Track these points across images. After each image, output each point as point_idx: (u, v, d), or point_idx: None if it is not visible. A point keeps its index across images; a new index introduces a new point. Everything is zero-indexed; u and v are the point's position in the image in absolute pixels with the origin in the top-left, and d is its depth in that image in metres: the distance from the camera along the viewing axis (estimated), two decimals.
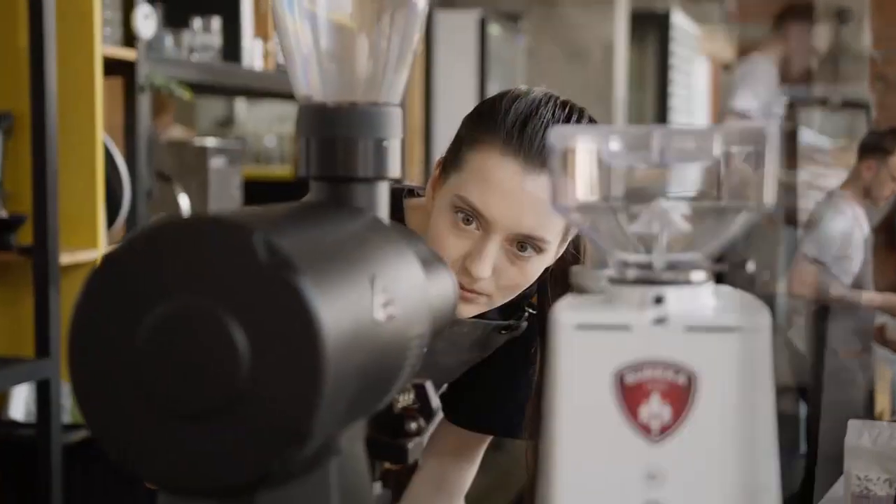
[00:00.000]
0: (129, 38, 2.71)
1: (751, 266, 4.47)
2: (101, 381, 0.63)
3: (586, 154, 0.71)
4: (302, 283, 0.60)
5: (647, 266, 0.71)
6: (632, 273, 0.71)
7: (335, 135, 0.79)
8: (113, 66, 2.68)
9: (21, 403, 2.66)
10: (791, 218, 4.70)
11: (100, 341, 0.63)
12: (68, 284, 2.48)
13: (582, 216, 0.72)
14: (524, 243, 1.28)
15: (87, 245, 2.52)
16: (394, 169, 0.81)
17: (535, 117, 1.27)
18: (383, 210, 0.81)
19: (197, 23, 3.07)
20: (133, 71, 2.70)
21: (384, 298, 0.70)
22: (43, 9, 2.38)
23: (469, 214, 1.27)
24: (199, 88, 3.23)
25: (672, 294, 0.69)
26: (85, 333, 0.63)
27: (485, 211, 1.25)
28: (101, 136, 2.54)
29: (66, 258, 2.44)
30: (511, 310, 1.44)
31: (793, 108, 4.44)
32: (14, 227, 2.42)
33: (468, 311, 1.32)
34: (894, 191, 4.40)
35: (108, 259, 0.63)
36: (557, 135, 0.71)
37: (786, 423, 4.24)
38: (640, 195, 0.73)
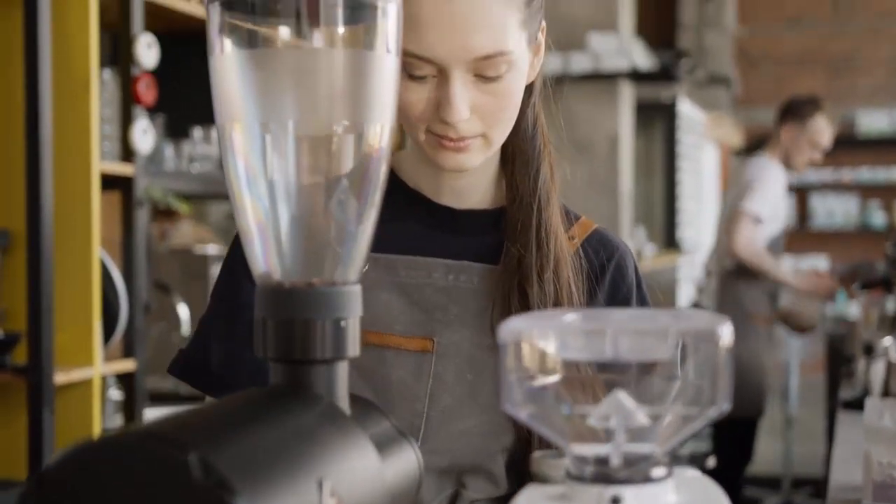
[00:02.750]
0: (128, 152, 2.72)
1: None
2: None
3: (539, 349, 0.69)
4: None
5: (605, 461, 0.69)
6: (588, 470, 0.69)
7: (293, 316, 0.78)
8: (111, 181, 2.69)
9: None
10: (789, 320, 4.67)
11: None
12: (63, 405, 2.46)
13: (536, 410, 0.70)
14: (486, 71, 1.14)
15: (83, 363, 2.50)
16: (353, 348, 0.79)
17: None
18: (342, 391, 0.79)
19: (197, 132, 3.09)
20: (131, 185, 2.71)
21: (334, 501, 0.68)
22: (40, 126, 2.40)
23: (415, 67, 1.13)
24: (200, 196, 3.24)
25: (630, 493, 0.67)
26: None
27: (428, 53, 1.12)
28: (97, 252, 2.53)
29: (61, 377, 2.42)
30: None
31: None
32: (9, 346, 2.41)
33: (470, 160, 1.20)
34: (812, 158, 4.44)
35: (38, 479, 0.61)
36: (508, 330, 0.69)
37: None
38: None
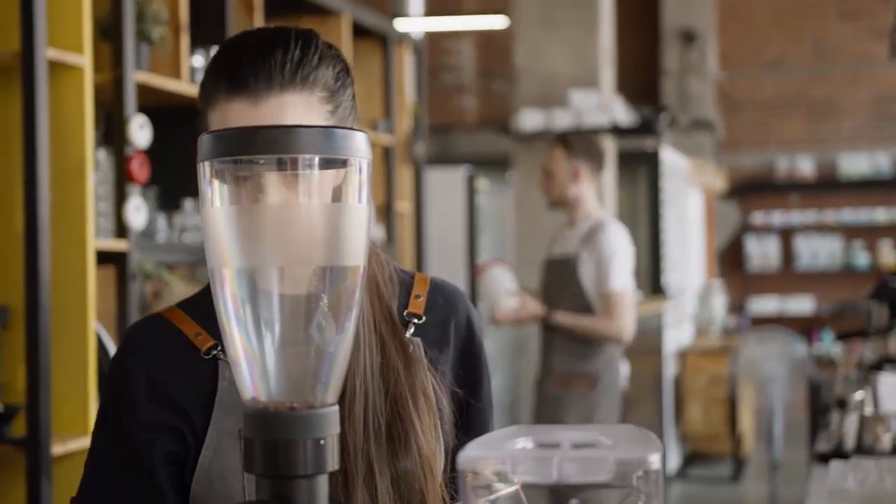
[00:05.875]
0: (122, 229, 2.83)
1: None
2: None
3: (493, 474, 0.79)
4: None
5: None
6: None
7: (277, 437, 0.88)
8: (106, 256, 2.79)
9: None
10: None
11: None
12: (60, 475, 2.54)
13: None
14: None
15: (80, 433, 2.60)
16: (332, 463, 0.89)
17: (243, 47, 1.24)
18: (322, 501, 0.89)
19: (189, 203, 3.20)
20: (125, 260, 2.81)
21: None
22: (38, 205, 2.50)
23: (238, 172, 1.23)
24: (192, 264, 3.34)
25: None
26: None
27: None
28: (93, 326, 2.63)
29: (58, 448, 2.51)
30: None
31: None
32: (8, 419, 2.50)
33: None
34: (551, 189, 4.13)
35: None
36: (467, 458, 0.79)
37: None
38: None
